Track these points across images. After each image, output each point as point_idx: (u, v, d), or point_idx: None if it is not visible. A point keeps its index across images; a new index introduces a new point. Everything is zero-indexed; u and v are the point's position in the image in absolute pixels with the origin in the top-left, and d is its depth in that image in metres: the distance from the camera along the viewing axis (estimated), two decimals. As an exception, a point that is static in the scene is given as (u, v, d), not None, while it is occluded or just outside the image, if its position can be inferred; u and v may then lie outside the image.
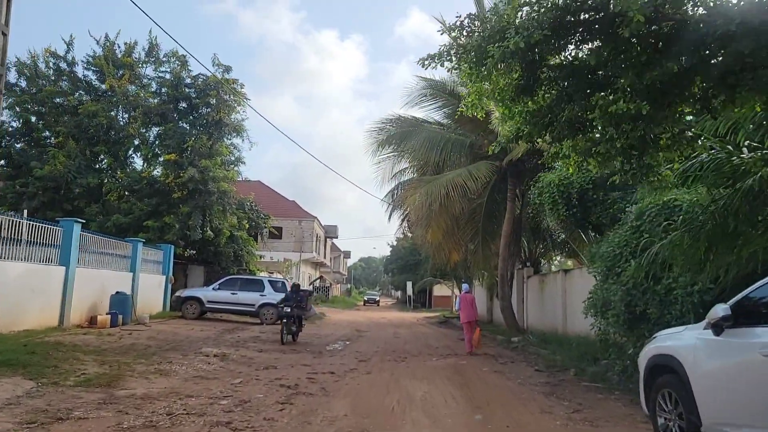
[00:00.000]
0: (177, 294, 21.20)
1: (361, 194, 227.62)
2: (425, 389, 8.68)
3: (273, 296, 20.97)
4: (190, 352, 11.60)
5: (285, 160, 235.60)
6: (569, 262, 28.75)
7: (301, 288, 34.63)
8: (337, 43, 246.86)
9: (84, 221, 17.49)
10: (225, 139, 27.73)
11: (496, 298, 28.20)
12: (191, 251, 27.08)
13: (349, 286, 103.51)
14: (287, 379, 9.14)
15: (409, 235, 47.45)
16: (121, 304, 16.67)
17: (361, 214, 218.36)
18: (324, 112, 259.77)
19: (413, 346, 16.24)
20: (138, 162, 28.54)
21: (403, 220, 31.26)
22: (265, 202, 52.29)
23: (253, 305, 20.81)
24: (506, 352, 14.72)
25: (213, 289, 20.99)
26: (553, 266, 29.37)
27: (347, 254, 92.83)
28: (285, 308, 14.82)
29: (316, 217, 51.51)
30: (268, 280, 21.66)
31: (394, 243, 64.54)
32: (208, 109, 26.43)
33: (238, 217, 28.61)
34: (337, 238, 65.63)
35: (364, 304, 62.39)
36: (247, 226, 29.17)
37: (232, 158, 26.85)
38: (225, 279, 21.74)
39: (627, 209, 10.21)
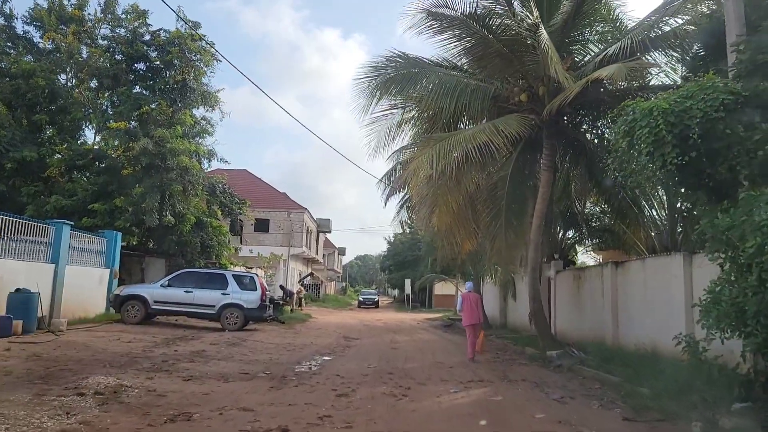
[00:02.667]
0: (115, 292, 16.81)
1: (360, 193, 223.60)
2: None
3: (238, 295, 16.64)
4: (67, 383, 7.27)
5: (284, 159, 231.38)
6: (598, 257, 24.56)
7: (284, 287, 30.50)
8: (339, 42, 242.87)
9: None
10: (192, 109, 23.36)
11: (511, 298, 23.91)
12: (149, 241, 22.75)
13: (344, 284, 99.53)
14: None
15: (408, 224, 43.23)
16: (22, 306, 12.36)
17: (360, 212, 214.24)
18: (326, 112, 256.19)
19: (417, 364, 11.92)
20: (90, 135, 24.19)
21: (402, 206, 26.93)
22: (251, 192, 48.17)
23: (213, 306, 16.46)
24: (550, 376, 10.40)
25: (161, 286, 16.60)
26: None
27: (342, 251, 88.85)
28: None
29: (306, 209, 47.17)
30: (233, 275, 17.27)
31: (391, 238, 60.25)
32: (172, 72, 22.04)
33: (208, 201, 24.29)
34: (330, 232, 61.33)
35: (359, 306, 51.42)
36: (219, 212, 24.78)
37: (197, 129, 22.37)
38: (178, 273, 17.37)
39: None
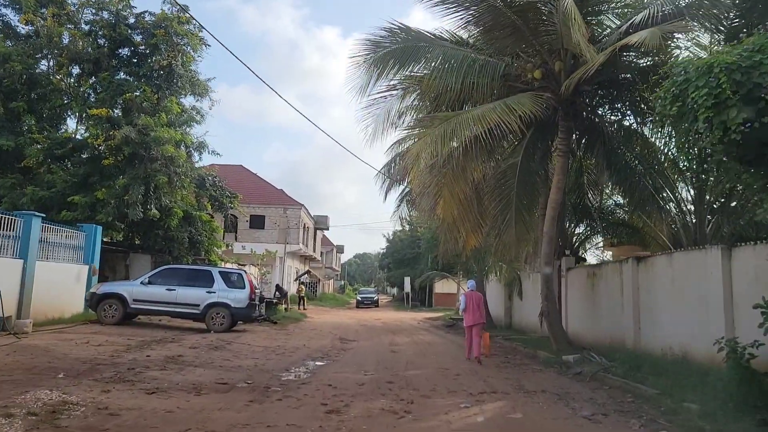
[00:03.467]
0: (91, 290, 15.52)
1: (360, 191, 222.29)
2: None
3: (225, 293, 15.37)
4: (5, 398, 6.03)
5: (284, 158, 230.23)
6: (605, 253, 23.33)
7: (280, 286, 29.24)
8: (339, 41, 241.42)
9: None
10: (180, 97, 22.08)
11: (517, 297, 22.68)
12: (135, 236, 21.51)
13: (342, 282, 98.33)
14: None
15: (408, 220, 42.00)
16: (-20, 305, 11.08)
17: (360, 211, 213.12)
18: (325, 111, 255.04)
19: (420, 370, 10.67)
20: (72, 124, 22.90)
21: (401, 200, 25.67)
22: (247, 187, 46.85)
23: (197, 305, 15.18)
24: (571, 385, 9.16)
25: (142, 283, 15.31)
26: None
27: (340, 249, 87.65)
28: None
29: (303, 205, 45.88)
30: (219, 272, 15.98)
31: (390, 235, 59.01)
32: (157, 57, 20.74)
33: (198, 194, 23.02)
34: (327, 229, 59.99)
35: (357, 306, 48.31)
36: (209, 206, 23.51)
37: (184, 118, 21.06)
38: (160, 270, 16.08)
39: None
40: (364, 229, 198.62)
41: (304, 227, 47.98)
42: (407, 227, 54.56)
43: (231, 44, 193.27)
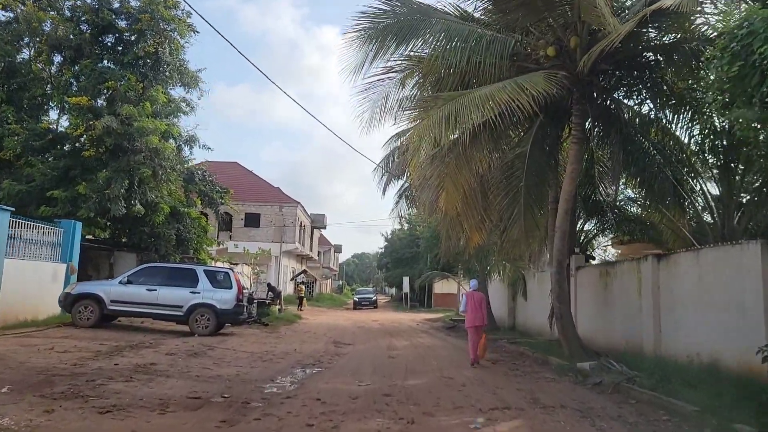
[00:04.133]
0: (65, 290, 14.42)
1: (360, 193, 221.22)
2: None
3: (210, 294, 14.31)
4: None
5: (284, 158, 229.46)
6: (614, 251, 22.29)
7: (273, 285, 28.15)
8: (338, 40, 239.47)
9: None
10: (168, 87, 21.00)
11: (521, 297, 21.61)
12: (121, 233, 20.44)
13: (340, 282, 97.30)
14: None
15: (407, 219, 40.87)
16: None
17: (360, 212, 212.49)
18: (325, 110, 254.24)
19: (421, 380, 9.61)
20: (54, 115, 21.79)
21: (400, 196, 24.59)
22: (242, 185, 45.82)
23: (180, 307, 14.10)
24: (593, 398, 8.09)
25: (120, 283, 14.22)
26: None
27: (338, 248, 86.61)
28: None
29: (299, 203, 44.83)
30: (205, 271, 14.87)
31: (389, 234, 57.95)
32: (142, 44, 19.64)
33: (186, 189, 21.95)
34: (324, 228, 58.95)
35: (354, 307, 44.94)
36: (199, 202, 22.42)
37: (171, 108, 19.95)
38: (141, 268, 14.98)
39: None
40: (362, 226, 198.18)
41: (301, 226, 46.92)
42: (406, 226, 53.58)
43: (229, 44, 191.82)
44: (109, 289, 14.04)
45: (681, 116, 11.45)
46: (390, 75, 12.28)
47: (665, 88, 11.46)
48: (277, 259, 43.46)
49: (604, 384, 8.93)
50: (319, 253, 64.83)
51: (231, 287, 14.47)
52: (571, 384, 9.36)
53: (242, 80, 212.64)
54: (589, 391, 8.73)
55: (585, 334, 14.34)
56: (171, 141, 20.48)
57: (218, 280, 14.57)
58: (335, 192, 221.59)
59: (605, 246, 21.27)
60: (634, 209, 15.96)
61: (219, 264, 22.72)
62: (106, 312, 13.95)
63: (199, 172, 22.42)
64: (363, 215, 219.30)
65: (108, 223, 19.83)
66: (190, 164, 22.17)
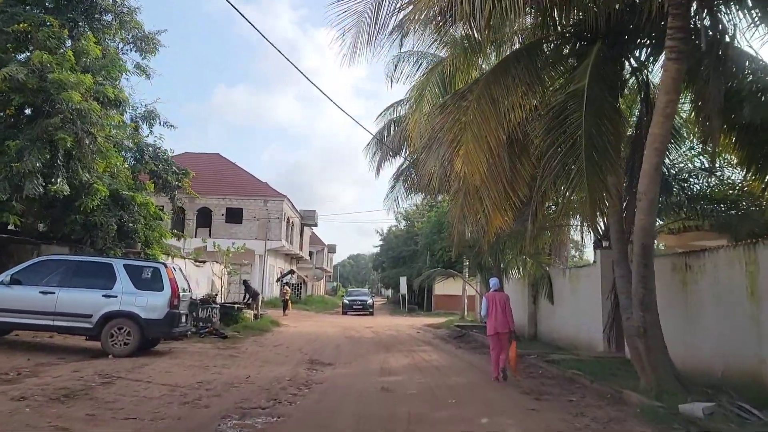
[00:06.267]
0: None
1: (358, 194, 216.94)
2: None
3: (132, 298, 10.25)
4: None
5: (282, 158, 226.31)
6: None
7: (248, 282, 24.07)
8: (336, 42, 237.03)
9: None
10: (122, 52, 17.10)
11: (546, 300, 17.56)
12: (37, 220, 16.32)
13: (335, 284, 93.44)
14: None
15: (404, 215, 36.77)
16: None
17: (356, 210, 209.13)
18: (323, 111, 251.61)
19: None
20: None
21: (397, 178, 20.46)
22: (224, 178, 41.82)
23: (89, 317, 10.01)
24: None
25: (2, 283, 10.11)
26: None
27: (332, 248, 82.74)
28: None
29: (285, 196, 40.78)
30: (126, 266, 10.67)
31: (384, 231, 53.96)
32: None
33: (135, 170, 17.94)
34: (315, 225, 54.92)
35: (344, 312, 35.61)
36: (152, 186, 18.31)
37: (104, 62, 15.80)
38: (33, 263, 10.82)
39: None
40: (359, 227, 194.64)
41: (288, 222, 42.85)
42: (403, 222, 49.68)
43: (229, 45, 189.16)
44: (-15, 292, 9.92)
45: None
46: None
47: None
48: (262, 258, 39.44)
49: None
50: (311, 253, 60.87)
51: (162, 288, 10.39)
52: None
53: (239, 80, 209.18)
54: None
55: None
56: (115, 112, 16.51)
57: (145, 278, 10.47)
58: (334, 192, 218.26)
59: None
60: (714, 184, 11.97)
61: (178, 260, 18.62)
62: (-19, 324, 9.85)
63: (151, 149, 18.30)
64: (359, 213, 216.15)
65: (23, 207, 15.68)
66: (138, 138, 18.07)
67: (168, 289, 10.42)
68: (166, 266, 10.84)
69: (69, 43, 15.54)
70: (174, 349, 11.64)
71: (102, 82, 15.41)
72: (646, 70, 10.01)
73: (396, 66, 16.97)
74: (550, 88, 9.74)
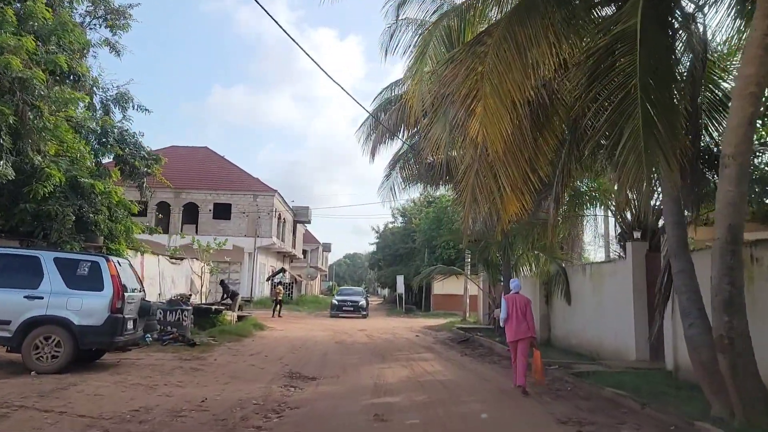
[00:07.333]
0: None
1: (357, 195, 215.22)
2: None
3: (62, 300, 8.24)
4: None
5: (279, 158, 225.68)
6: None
7: (225, 282, 22.00)
8: (334, 42, 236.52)
9: None
10: (65, 10, 15.03)
11: (561, 300, 15.53)
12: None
13: (330, 283, 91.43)
14: None
15: (401, 211, 34.90)
16: None
17: (353, 209, 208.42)
18: (321, 112, 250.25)
19: None
20: None
21: (395, 163, 18.44)
22: (211, 172, 39.82)
23: (7, 323, 8.01)
24: None
25: None
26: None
27: (327, 247, 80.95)
28: None
29: (276, 191, 38.81)
30: (56, 260, 8.60)
31: (381, 228, 51.94)
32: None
33: (99, 153, 15.96)
34: (309, 222, 52.96)
35: (332, 314, 30.69)
36: (118, 173, 16.29)
37: (51, 25, 13.77)
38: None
39: None
40: (354, 217, 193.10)
41: (279, 218, 40.84)
42: (399, 219, 47.74)
43: (228, 45, 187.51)
44: None
45: None
46: None
47: None
48: (252, 256, 37.45)
49: None
50: (305, 251, 58.94)
51: (102, 288, 8.38)
52: None
53: (237, 81, 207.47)
54: None
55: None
56: (71, 88, 14.52)
57: (80, 275, 8.45)
58: (330, 190, 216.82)
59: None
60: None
61: (148, 256, 16.60)
62: None
63: (116, 130, 16.23)
64: (356, 215, 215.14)
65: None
66: (105, 119, 16.06)
67: (109, 288, 8.39)
68: (107, 260, 8.79)
69: (17, 5, 13.56)
70: (123, 362, 9.61)
71: (54, 51, 13.39)
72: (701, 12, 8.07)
73: (391, 36, 15.01)
74: (591, 32, 7.73)
